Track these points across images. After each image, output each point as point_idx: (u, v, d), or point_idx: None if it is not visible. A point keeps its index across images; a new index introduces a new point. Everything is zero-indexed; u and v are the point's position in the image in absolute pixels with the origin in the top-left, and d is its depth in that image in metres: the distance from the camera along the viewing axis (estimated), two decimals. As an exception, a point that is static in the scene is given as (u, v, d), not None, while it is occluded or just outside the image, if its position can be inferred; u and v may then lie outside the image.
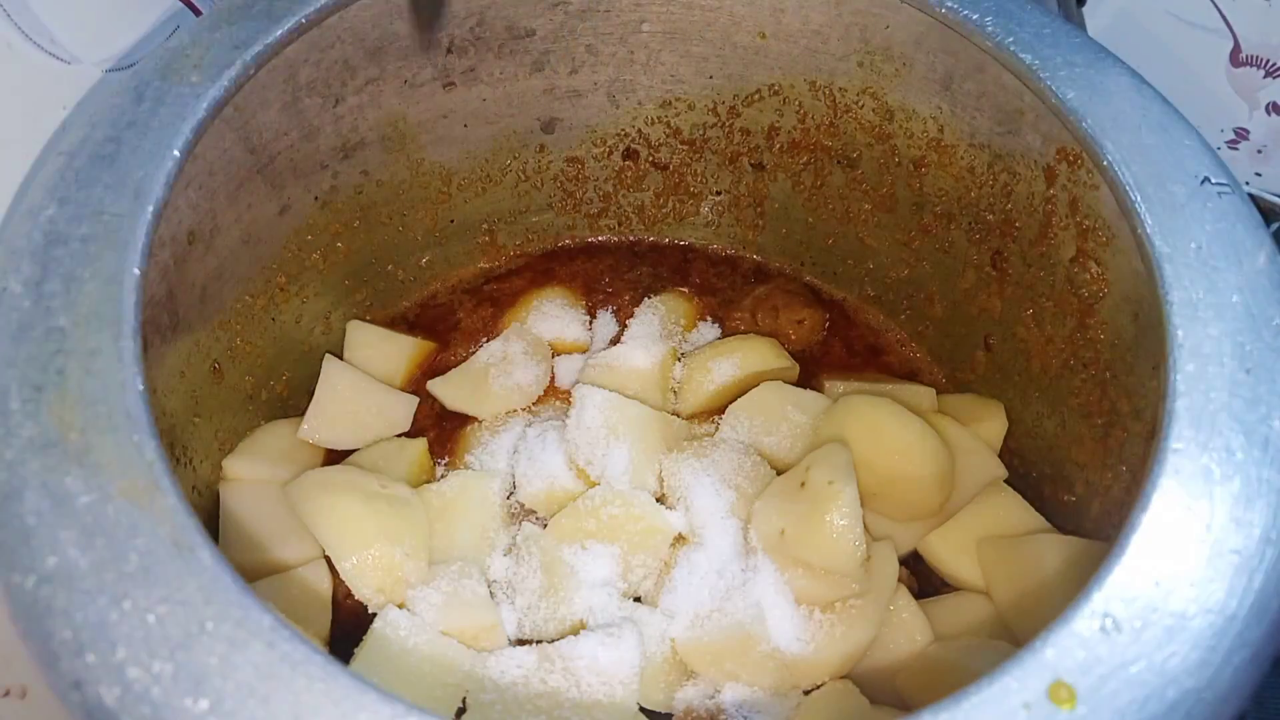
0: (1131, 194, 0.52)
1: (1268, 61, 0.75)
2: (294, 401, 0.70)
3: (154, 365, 0.54)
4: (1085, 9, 0.79)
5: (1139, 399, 0.55)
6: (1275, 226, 0.56)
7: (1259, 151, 0.78)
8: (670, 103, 0.74)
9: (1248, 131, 0.78)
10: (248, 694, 0.36)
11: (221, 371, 0.63)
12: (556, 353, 0.74)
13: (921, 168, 0.69)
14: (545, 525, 0.64)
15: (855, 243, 0.76)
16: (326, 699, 0.37)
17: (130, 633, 0.37)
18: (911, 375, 0.76)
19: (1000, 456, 0.67)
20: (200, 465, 0.61)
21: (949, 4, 0.60)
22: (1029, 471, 0.67)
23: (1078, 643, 0.39)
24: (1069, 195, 0.59)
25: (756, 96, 0.72)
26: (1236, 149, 0.78)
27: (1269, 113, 0.77)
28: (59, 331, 0.44)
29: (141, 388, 0.43)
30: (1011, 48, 0.57)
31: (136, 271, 0.46)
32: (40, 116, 0.62)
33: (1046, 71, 0.56)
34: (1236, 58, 0.76)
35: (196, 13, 0.70)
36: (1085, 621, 0.40)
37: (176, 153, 0.50)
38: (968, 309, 0.71)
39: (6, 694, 0.61)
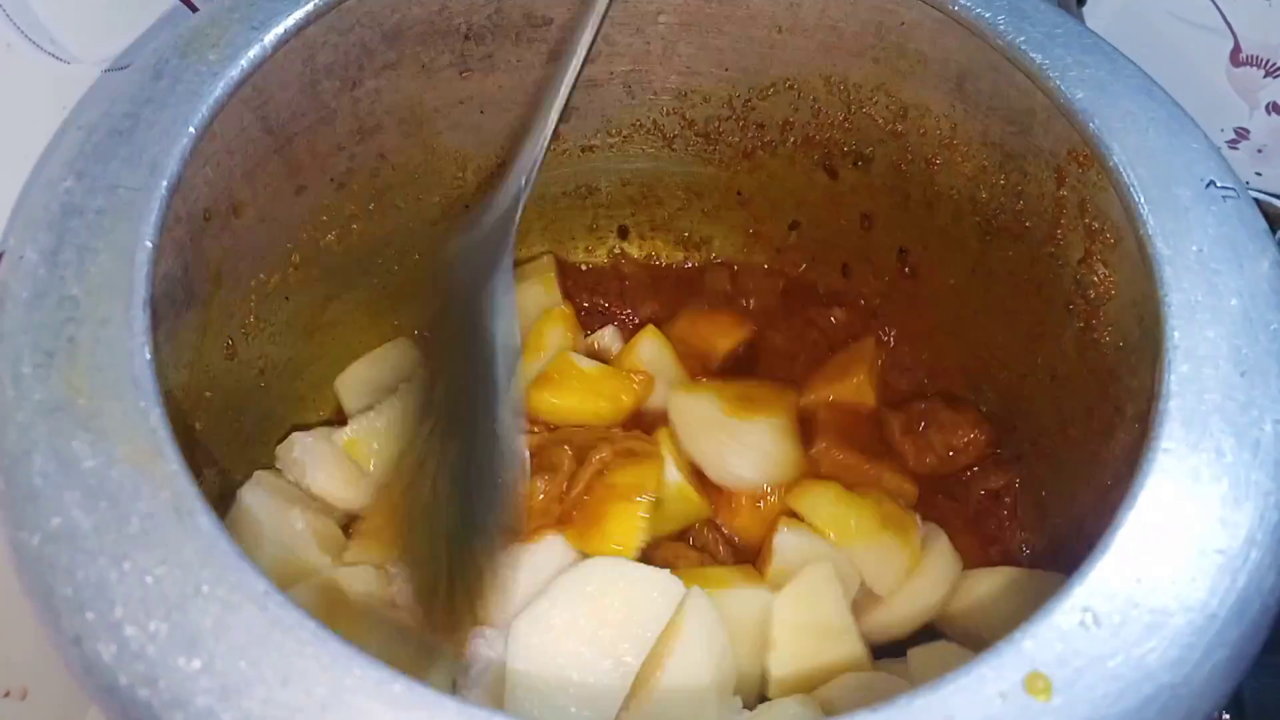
0: (1136, 195, 0.52)
1: (1268, 61, 0.74)
2: (304, 384, 0.71)
3: (167, 340, 0.55)
4: (1085, 9, 0.79)
5: (1142, 401, 0.55)
6: (1280, 233, 0.56)
7: (1259, 151, 0.78)
8: (685, 94, 0.74)
9: (1248, 131, 0.78)
10: (238, 655, 0.37)
11: (235, 348, 0.64)
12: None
13: (933, 166, 0.69)
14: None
15: (862, 241, 0.76)
16: (315, 663, 0.37)
17: (129, 592, 0.38)
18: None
19: (1001, 457, 0.67)
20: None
21: (962, 2, 0.60)
22: (1030, 471, 0.67)
23: (1056, 635, 0.39)
24: (1078, 197, 0.59)
25: (771, 90, 0.72)
26: (1236, 149, 0.78)
27: (1269, 113, 0.77)
28: (71, 300, 0.45)
29: (149, 356, 0.44)
30: (1023, 47, 0.58)
31: (149, 244, 0.47)
32: (40, 116, 0.63)
33: (1056, 71, 0.56)
34: (1236, 58, 0.75)
35: (195, 11, 0.70)
36: (1065, 615, 0.40)
37: (193, 130, 0.51)
38: (975, 308, 0.71)
39: (7, 694, 0.61)
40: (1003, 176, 0.65)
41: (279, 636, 0.38)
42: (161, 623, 0.38)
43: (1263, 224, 0.52)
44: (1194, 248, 0.50)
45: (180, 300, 0.57)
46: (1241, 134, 0.78)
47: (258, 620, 0.38)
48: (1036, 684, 0.38)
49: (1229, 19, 0.74)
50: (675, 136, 0.77)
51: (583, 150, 0.78)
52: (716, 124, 0.76)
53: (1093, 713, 0.38)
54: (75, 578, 0.39)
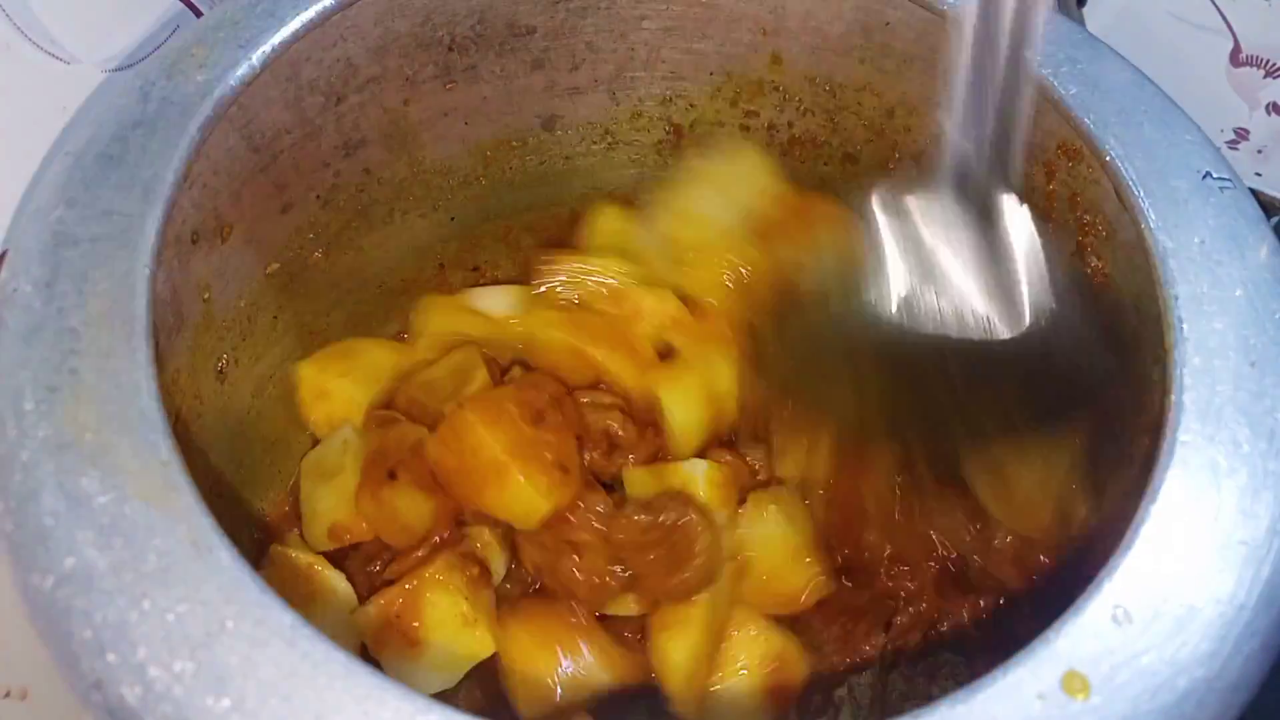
0: (1134, 189, 0.52)
1: (1268, 61, 0.75)
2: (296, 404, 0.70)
3: (159, 366, 0.54)
4: (1085, 9, 0.79)
5: (1140, 392, 0.56)
6: (1276, 220, 0.56)
7: (1259, 152, 0.78)
8: (671, 99, 0.74)
9: (1248, 131, 0.78)
10: (270, 692, 0.37)
11: (225, 372, 0.62)
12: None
13: (923, 164, 0.69)
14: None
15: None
16: (348, 696, 0.37)
17: (150, 632, 0.37)
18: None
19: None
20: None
21: (949, 0, 0.60)
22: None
23: (1089, 633, 0.40)
24: (1068, 191, 0.60)
25: (757, 93, 0.72)
26: (1236, 149, 0.79)
27: (1269, 113, 0.77)
28: (71, 332, 0.44)
29: (155, 388, 0.43)
30: (1013, 44, 0.58)
31: (147, 271, 0.46)
32: (40, 117, 0.62)
33: (1048, 68, 0.57)
34: (1236, 58, 0.76)
35: (197, 13, 0.69)
36: (1097, 612, 0.40)
37: (184, 152, 0.50)
38: (968, 303, 0.71)
39: (7, 695, 0.61)
40: (991, 172, 0.65)
41: (310, 671, 0.37)
42: (187, 662, 0.37)
43: (1259, 213, 0.52)
44: (1196, 240, 0.50)
45: (170, 325, 0.55)
46: (1241, 134, 0.79)
47: (287, 656, 0.37)
48: (1074, 683, 0.38)
49: (1229, 19, 0.74)
50: (661, 142, 0.77)
51: (565, 159, 0.77)
52: (703, 128, 0.75)
53: (1131, 710, 0.38)
54: (94, 620, 0.38)
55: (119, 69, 0.65)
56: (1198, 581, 0.41)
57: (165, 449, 0.41)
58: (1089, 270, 0.60)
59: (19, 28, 0.61)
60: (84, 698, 0.37)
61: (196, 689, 0.37)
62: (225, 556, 0.39)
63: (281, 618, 0.38)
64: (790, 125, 0.73)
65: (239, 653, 0.37)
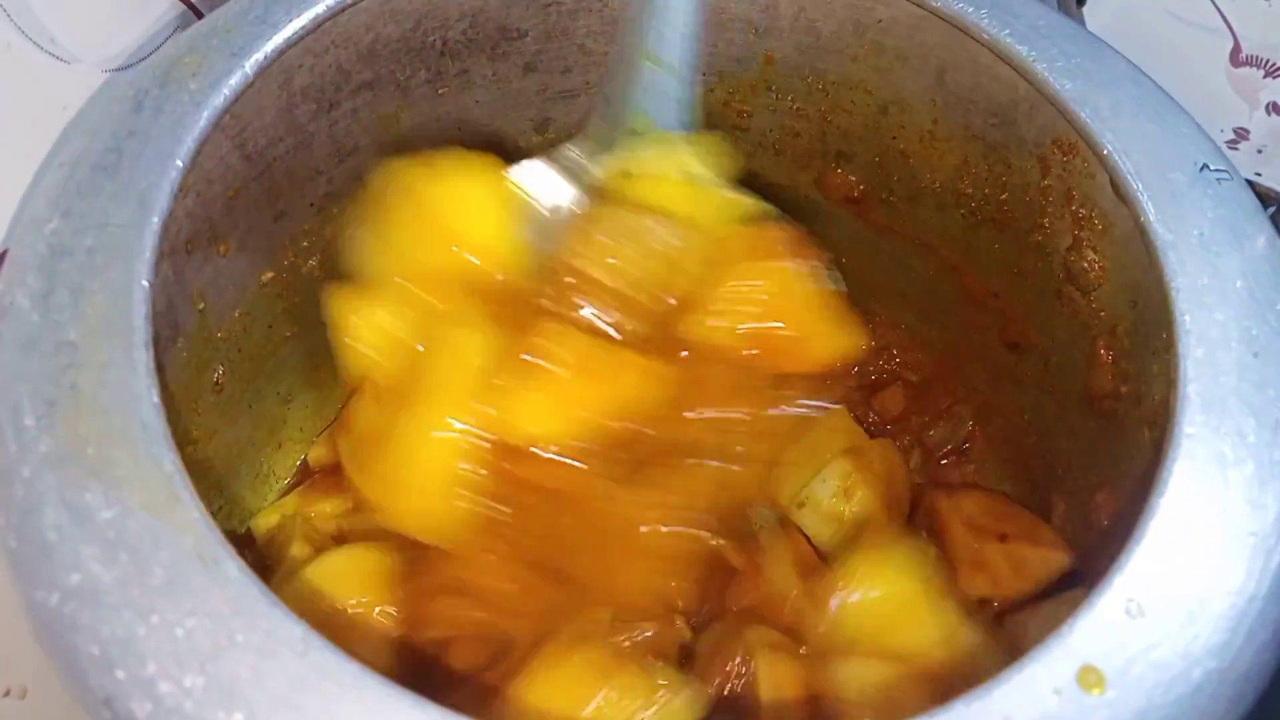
0: (1132, 182, 0.53)
1: (1268, 61, 0.76)
2: (293, 413, 0.69)
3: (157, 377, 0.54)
4: (1085, 8, 0.79)
5: (1139, 385, 0.56)
6: (1271, 210, 0.57)
7: (1259, 151, 0.78)
8: (664, 101, 0.74)
9: (1248, 131, 0.79)
10: (281, 704, 0.36)
11: (221, 383, 0.62)
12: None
13: (915, 161, 0.69)
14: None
15: (848, 240, 0.76)
16: (359, 707, 0.36)
17: (159, 647, 0.37)
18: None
19: (1000, 448, 0.68)
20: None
21: (944, -3, 0.60)
22: (1029, 463, 0.67)
23: (1103, 628, 0.40)
24: (1064, 185, 0.60)
25: (750, 93, 0.72)
26: (1236, 149, 0.79)
27: (1269, 113, 0.78)
28: (69, 345, 0.44)
29: (157, 399, 0.42)
30: (1008, 40, 0.58)
31: (145, 283, 0.46)
32: (40, 117, 0.62)
33: (1044, 63, 0.57)
34: (1236, 58, 0.76)
35: (197, 14, 0.69)
36: (1109, 606, 0.40)
37: (179, 162, 0.50)
38: (964, 301, 0.71)
39: (7, 694, 0.60)
40: (986, 168, 0.65)
41: (321, 682, 0.37)
42: (197, 676, 0.37)
43: (1256, 204, 0.53)
44: (1195, 232, 0.50)
45: (165, 336, 0.55)
46: (1241, 134, 0.79)
47: (297, 667, 0.37)
48: (1089, 678, 0.38)
49: (1229, 19, 0.75)
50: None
51: (558, 162, 0.77)
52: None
53: (1146, 703, 0.38)
54: (100, 635, 0.37)
55: (119, 69, 0.65)
56: (1208, 574, 0.41)
57: (168, 461, 0.41)
58: (1085, 265, 0.60)
59: (19, 28, 0.60)
60: (93, 715, 0.37)
61: (207, 703, 0.36)
62: (232, 568, 0.39)
63: (291, 629, 0.37)
64: (783, 125, 0.73)
65: (249, 665, 0.37)
